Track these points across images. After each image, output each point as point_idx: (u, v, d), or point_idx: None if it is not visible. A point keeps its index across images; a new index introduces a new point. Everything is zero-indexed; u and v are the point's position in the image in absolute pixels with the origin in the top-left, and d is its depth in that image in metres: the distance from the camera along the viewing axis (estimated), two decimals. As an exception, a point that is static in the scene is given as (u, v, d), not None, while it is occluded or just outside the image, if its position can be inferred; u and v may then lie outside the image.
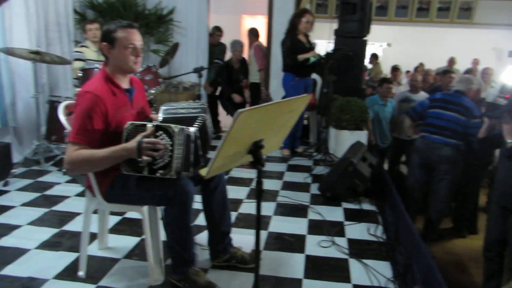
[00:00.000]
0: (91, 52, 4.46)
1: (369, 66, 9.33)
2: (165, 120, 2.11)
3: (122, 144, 1.91)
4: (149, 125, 1.91)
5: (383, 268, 2.53)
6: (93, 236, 2.53)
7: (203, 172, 1.59)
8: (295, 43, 4.56)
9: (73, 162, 1.91)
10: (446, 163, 3.89)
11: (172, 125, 1.89)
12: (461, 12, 9.20)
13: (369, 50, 6.05)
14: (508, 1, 8.95)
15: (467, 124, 3.80)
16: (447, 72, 5.56)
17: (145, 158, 1.86)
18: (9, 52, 3.82)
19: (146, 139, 1.85)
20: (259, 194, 1.66)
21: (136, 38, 2.06)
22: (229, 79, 5.77)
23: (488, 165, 4.50)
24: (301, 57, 4.51)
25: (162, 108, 2.22)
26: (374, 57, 9.17)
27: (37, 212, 3.10)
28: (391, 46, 12.11)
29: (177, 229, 2.07)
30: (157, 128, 1.90)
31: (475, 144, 3.44)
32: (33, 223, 2.93)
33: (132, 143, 1.86)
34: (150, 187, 2.00)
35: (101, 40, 2.07)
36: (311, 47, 4.72)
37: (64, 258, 2.46)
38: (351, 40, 5.16)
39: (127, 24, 2.05)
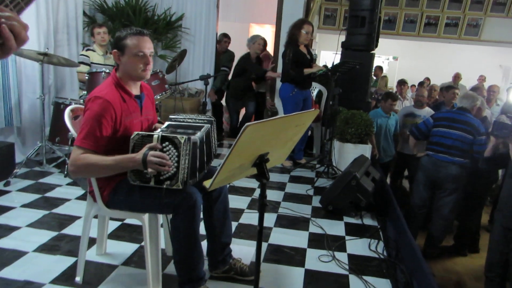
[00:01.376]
0: (97, 56, 4.48)
1: (373, 78, 9.33)
2: (170, 126, 2.10)
3: (128, 154, 1.90)
4: (155, 135, 1.90)
5: (383, 286, 2.49)
6: (91, 241, 2.51)
7: (207, 184, 1.57)
8: (297, 55, 4.52)
9: (78, 165, 1.89)
10: (453, 182, 3.89)
11: (178, 136, 1.88)
12: (468, 28, 9.21)
13: (374, 63, 6.04)
14: (515, 20, 8.97)
15: (473, 141, 3.79)
16: (450, 87, 5.56)
17: (150, 170, 1.85)
18: (18, 53, 3.83)
19: (152, 152, 1.85)
20: (262, 208, 1.64)
21: (146, 45, 2.05)
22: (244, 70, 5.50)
23: (491, 184, 4.48)
24: (307, 71, 4.50)
25: (170, 116, 2.23)
26: (379, 69, 9.17)
27: (37, 214, 3.08)
28: (397, 59, 12.14)
29: (185, 240, 2.03)
30: (163, 139, 1.89)
31: (481, 163, 3.42)
32: (32, 225, 2.91)
33: (138, 155, 1.86)
34: (156, 195, 1.98)
35: (113, 47, 2.08)
36: (312, 58, 4.70)
37: (61, 263, 2.44)
38: (358, 53, 5.16)
39: (137, 32, 2.04)
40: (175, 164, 1.89)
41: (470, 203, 4.27)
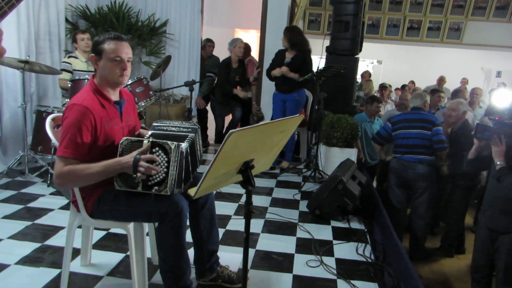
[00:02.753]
0: (80, 62, 4.41)
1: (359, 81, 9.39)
2: (154, 135, 2.08)
3: (116, 158, 1.88)
4: (145, 141, 1.88)
5: (372, 290, 2.49)
6: (76, 252, 2.46)
7: (192, 192, 1.56)
8: (276, 56, 4.78)
9: (64, 177, 1.86)
10: (423, 180, 4.02)
11: (169, 142, 1.87)
12: (450, 32, 9.38)
13: (359, 67, 6.08)
14: (496, 23, 9.16)
15: (431, 134, 3.95)
16: (435, 91, 5.63)
17: (139, 174, 1.82)
18: (-3, 60, 3.77)
19: (143, 156, 1.83)
20: (248, 215, 1.62)
21: (124, 50, 2.02)
22: (227, 77, 5.44)
23: (475, 186, 4.52)
24: (273, 73, 4.70)
25: (154, 124, 2.20)
26: (368, 74, 9.25)
27: (19, 225, 3.01)
28: (381, 63, 12.27)
29: (172, 248, 2.00)
30: (153, 144, 1.88)
31: (465, 165, 3.45)
32: (14, 236, 2.84)
33: (128, 158, 1.84)
34: (142, 203, 1.96)
35: (91, 51, 2.06)
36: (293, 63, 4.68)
37: (45, 275, 2.39)
38: (343, 57, 5.19)
39: (115, 36, 2.02)
40: (165, 170, 1.88)
41: (454, 205, 4.31)
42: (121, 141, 1.90)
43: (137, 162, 1.81)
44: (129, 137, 1.92)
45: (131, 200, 1.98)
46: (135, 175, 1.83)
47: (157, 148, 1.88)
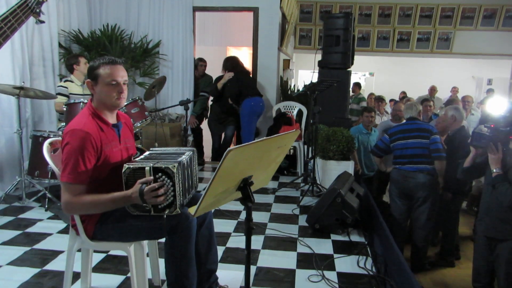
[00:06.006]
0: (76, 86, 4.42)
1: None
2: (150, 156, 2.11)
3: (123, 192, 1.91)
4: (147, 168, 1.89)
5: (375, 303, 2.48)
6: (76, 276, 2.44)
7: (192, 210, 1.56)
8: None
9: (73, 206, 1.92)
10: (423, 190, 4.00)
11: (170, 165, 1.89)
12: (440, 42, 9.51)
13: (351, 79, 6.14)
14: (483, 32, 9.31)
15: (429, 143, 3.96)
16: (424, 101, 5.69)
17: (149, 202, 1.88)
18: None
19: (148, 187, 1.86)
20: (248, 232, 1.63)
21: (119, 74, 2.05)
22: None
23: (467, 193, 4.54)
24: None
25: (151, 149, 2.26)
26: (357, 86, 9.34)
27: (18, 251, 2.98)
28: (373, 75, 12.41)
29: (180, 259, 2.02)
30: (156, 170, 1.89)
31: (459, 174, 3.47)
32: (13, 263, 2.81)
33: (134, 193, 1.87)
34: (151, 218, 1.98)
35: (86, 77, 2.09)
36: None
37: (45, 301, 2.37)
38: (335, 71, 5.25)
39: (109, 61, 2.05)
40: (172, 193, 1.91)
41: (449, 213, 4.31)
42: (123, 170, 1.91)
43: (143, 194, 1.85)
44: (130, 164, 1.92)
45: (139, 216, 1.99)
46: (145, 204, 1.88)
47: (160, 174, 1.90)
